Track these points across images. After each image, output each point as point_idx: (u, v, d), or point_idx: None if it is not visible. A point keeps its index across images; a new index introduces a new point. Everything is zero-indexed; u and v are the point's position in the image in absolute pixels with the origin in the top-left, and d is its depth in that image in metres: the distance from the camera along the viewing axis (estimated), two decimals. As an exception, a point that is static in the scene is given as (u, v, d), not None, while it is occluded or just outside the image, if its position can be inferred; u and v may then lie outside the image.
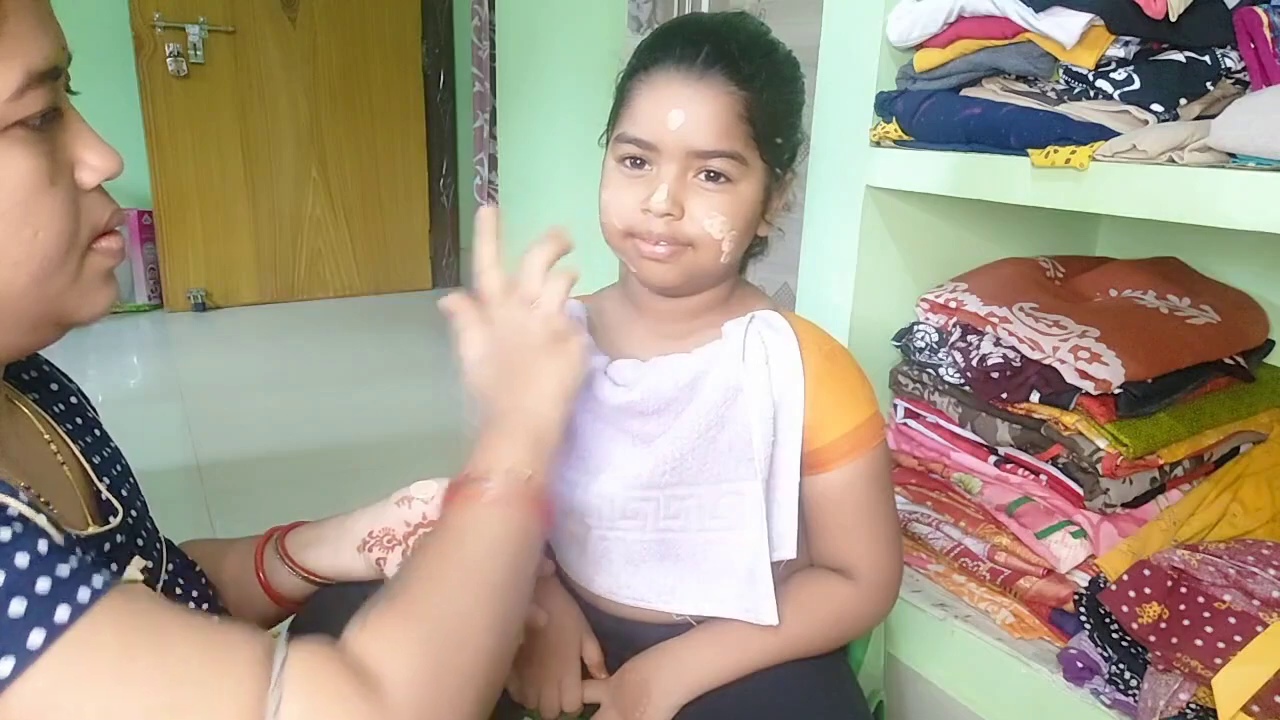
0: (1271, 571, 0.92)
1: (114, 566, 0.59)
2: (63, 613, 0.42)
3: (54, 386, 0.70)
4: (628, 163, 0.73)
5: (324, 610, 0.79)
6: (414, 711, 0.48)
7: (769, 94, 0.72)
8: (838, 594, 0.79)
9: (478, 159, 3.62)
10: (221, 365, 2.92)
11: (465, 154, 3.92)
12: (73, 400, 0.71)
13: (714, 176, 0.71)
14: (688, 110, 0.70)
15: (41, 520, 0.47)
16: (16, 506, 0.46)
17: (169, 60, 3.20)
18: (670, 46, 0.72)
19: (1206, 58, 0.94)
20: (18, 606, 0.42)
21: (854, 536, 0.79)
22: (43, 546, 0.44)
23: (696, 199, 0.71)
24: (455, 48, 3.84)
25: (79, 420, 0.69)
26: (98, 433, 0.71)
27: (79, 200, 0.53)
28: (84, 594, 0.44)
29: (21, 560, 0.43)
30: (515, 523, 0.61)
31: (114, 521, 0.63)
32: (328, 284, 3.77)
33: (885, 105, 1.17)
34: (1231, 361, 1.16)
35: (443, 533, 0.59)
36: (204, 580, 0.74)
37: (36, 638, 0.42)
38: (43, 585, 0.43)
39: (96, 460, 0.67)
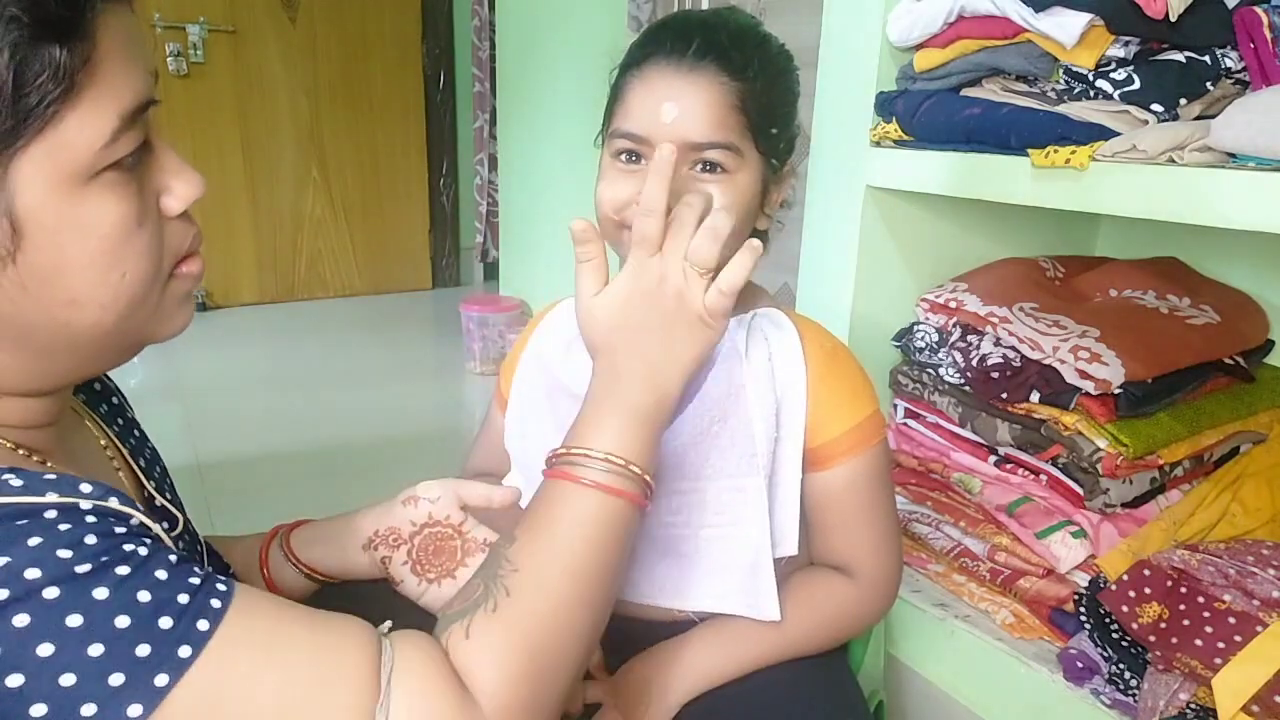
0: (1271, 571, 0.92)
1: None
2: (202, 624, 0.45)
3: (98, 387, 0.70)
4: (623, 158, 0.73)
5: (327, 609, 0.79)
6: (508, 717, 0.51)
7: (762, 84, 0.72)
8: (838, 592, 0.79)
9: (478, 159, 3.62)
10: (221, 365, 2.92)
11: (465, 154, 3.92)
12: (114, 401, 0.70)
13: (710, 168, 0.71)
14: (681, 102, 0.70)
15: (158, 530, 0.49)
16: (137, 517, 0.48)
17: (169, 60, 3.21)
18: (661, 41, 0.72)
19: (1206, 58, 0.94)
20: (166, 623, 0.44)
21: (854, 534, 0.79)
22: (172, 559, 0.47)
23: (695, 189, 0.71)
24: (455, 48, 3.84)
25: (120, 422, 0.69)
26: (137, 434, 0.71)
27: (163, 231, 0.52)
28: (215, 603, 0.46)
29: (161, 573, 0.45)
30: (610, 512, 0.59)
31: (172, 529, 0.63)
32: (328, 284, 3.77)
33: (885, 105, 1.17)
34: (1231, 361, 1.16)
35: (542, 516, 0.59)
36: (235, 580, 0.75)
37: (185, 651, 0.44)
38: (183, 599, 0.45)
39: (141, 463, 0.67)
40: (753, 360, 0.75)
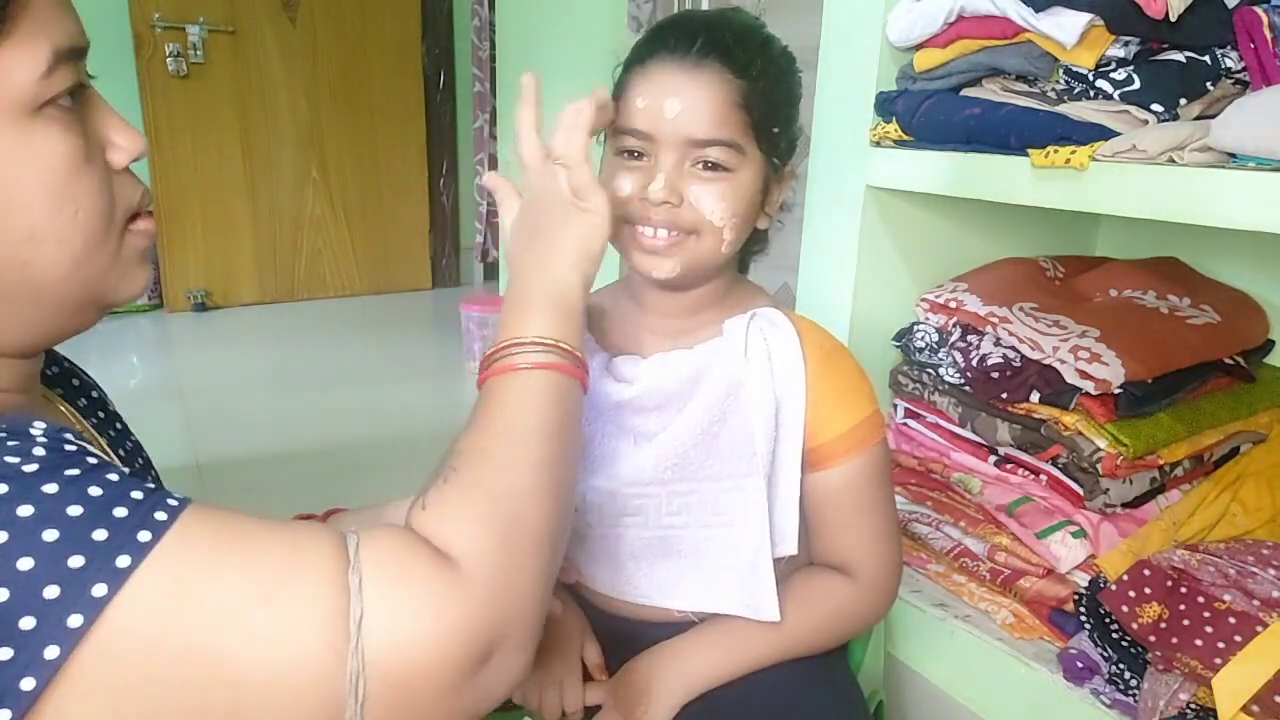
0: (1271, 571, 0.92)
1: None
2: (160, 515, 0.44)
3: (76, 382, 0.70)
4: (625, 155, 0.74)
5: None
6: (488, 581, 0.49)
7: (764, 83, 0.72)
8: (838, 591, 0.79)
9: (478, 159, 3.62)
10: (221, 365, 2.92)
11: (465, 154, 3.92)
12: (94, 394, 0.71)
13: (711, 166, 0.72)
14: (683, 99, 0.70)
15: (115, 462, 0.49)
16: (96, 450, 0.48)
17: (169, 60, 3.20)
18: (665, 40, 0.73)
19: (1206, 58, 0.94)
20: (121, 512, 0.44)
21: (854, 534, 0.79)
22: (126, 471, 0.47)
23: (695, 187, 0.72)
24: (455, 48, 3.84)
25: (101, 414, 0.70)
26: (119, 426, 0.71)
27: (111, 180, 0.54)
28: (172, 500, 0.46)
29: (112, 477, 0.45)
30: (551, 385, 0.60)
31: None
32: (328, 284, 3.77)
33: (885, 105, 1.17)
34: (1231, 361, 1.16)
35: (484, 406, 0.59)
36: None
37: (144, 536, 0.43)
38: (137, 495, 0.45)
39: (120, 454, 0.67)
40: (752, 359, 0.75)
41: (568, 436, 0.60)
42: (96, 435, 0.66)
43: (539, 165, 0.70)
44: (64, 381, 0.69)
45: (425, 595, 0.47)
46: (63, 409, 0.64)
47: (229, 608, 0.44)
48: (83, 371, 0.72)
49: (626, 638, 0.83)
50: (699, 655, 0.78)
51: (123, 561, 0.42)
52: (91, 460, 0.46)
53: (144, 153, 0.56)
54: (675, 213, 0.72)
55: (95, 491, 0.44)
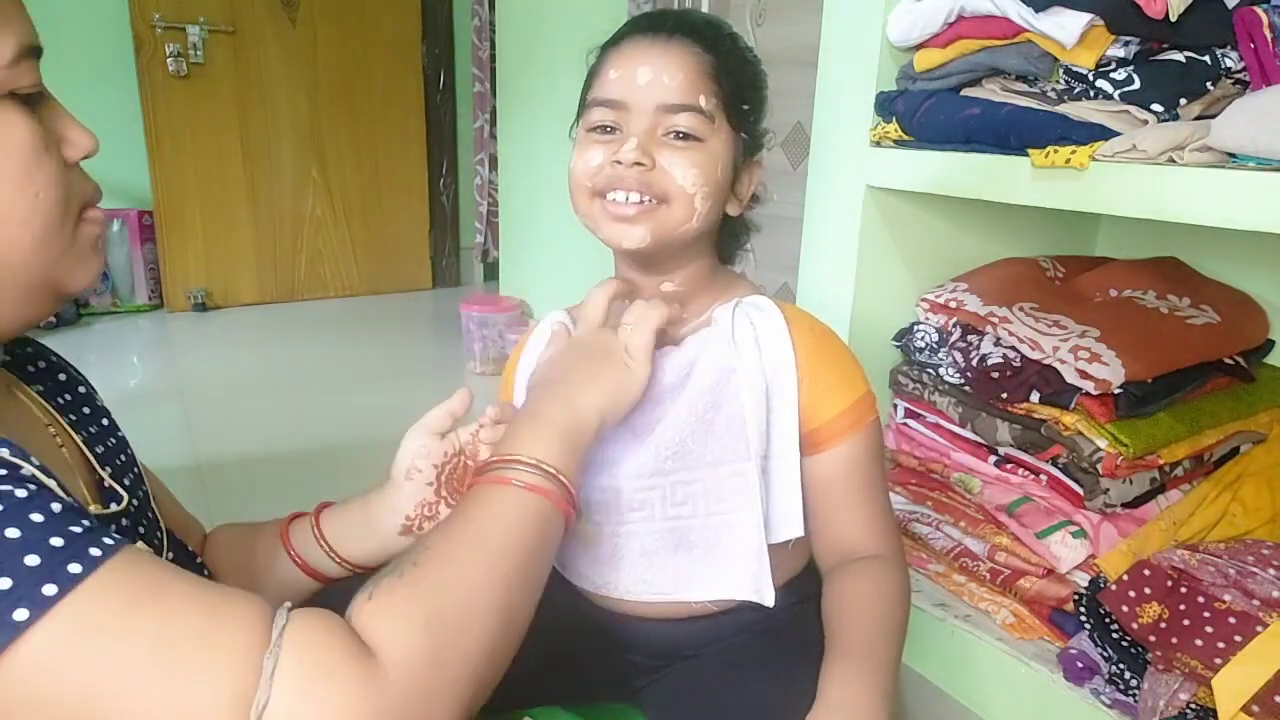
0: (1271, 571, 0.92)
1: None
2: (74, 567, 0.43)
3: (61, 377, 0.71)
4: (596, 131, 0.76)
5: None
6: (409, 690, 0.48)
7: (734, 61, 0.76)
8: (886, 579, 0.77)
9: (478, 159, 3.62)
10: (221, 365, 2.92)
11: (465, 154, 3.92)
12: (80, 390, 0.72)
13: (683, 135, 0.74)
14: (655, 66, 0.74)
15: (52, 484, 0.48)
16: (29, 469, 0.47)
17: (169, 60, 3.20)
18: (637, 24, 0.78)
19: (1206, 58, 0.94)
20: (33, 560, 0.43)
21: (861, 512, 0.79)
22: (55, 507, 0.46)
23: (668, 154, 0.74)
24: (455, 48, 3.84)
25: (86, 410, 0.71)
26: (105, 422, 0.72)
27: (66, 172, 0.57)
28: (95, 550, 0.45)
29: (36, 517, 0.44)
30: (533, 509, 0.61)
31: (117, 506, 0.64)
32: (328, 284, 3.77)
33: (885, 105, 1.17)
34: (1231, 361, 1.16)
35: (465, 510, 0.60)
36: (205, 571, 0.75)
37: (50, 589, 0.42)
38: (56, 541, 0.44)
39: (99, 450, 0.68)
40: (740, 343, 0.77)
41: (536, 563, 0.60)
42: (69, 431, 0.66)
43: (597, 324, 0.76)
44: (48, 377, 0.70)
45: (336, 692, 0.46)
46: (26, 401, 0.65)
47: (129, 672, 0.43)
48: (72, 368, 0.73)
49: (643, 639, 0.83)
50: (853, 702, 0.68)
51: (20, 615, 0.41)
52: (21, 493, 0.45)
53: (95, 150, 0.58)
54: (648, 176, 0.73)
55: (12, 534, 0.43)
